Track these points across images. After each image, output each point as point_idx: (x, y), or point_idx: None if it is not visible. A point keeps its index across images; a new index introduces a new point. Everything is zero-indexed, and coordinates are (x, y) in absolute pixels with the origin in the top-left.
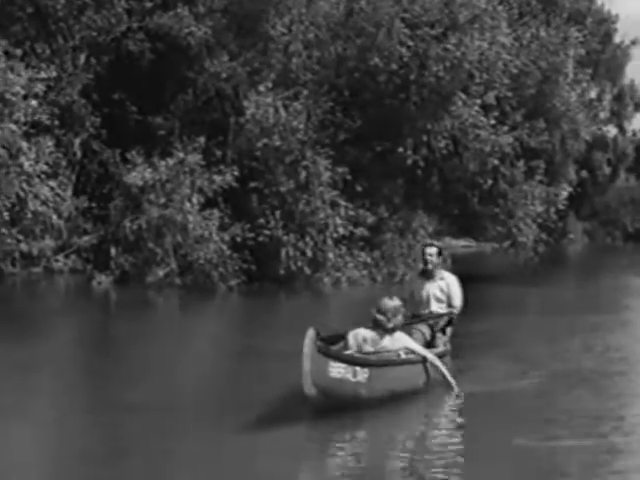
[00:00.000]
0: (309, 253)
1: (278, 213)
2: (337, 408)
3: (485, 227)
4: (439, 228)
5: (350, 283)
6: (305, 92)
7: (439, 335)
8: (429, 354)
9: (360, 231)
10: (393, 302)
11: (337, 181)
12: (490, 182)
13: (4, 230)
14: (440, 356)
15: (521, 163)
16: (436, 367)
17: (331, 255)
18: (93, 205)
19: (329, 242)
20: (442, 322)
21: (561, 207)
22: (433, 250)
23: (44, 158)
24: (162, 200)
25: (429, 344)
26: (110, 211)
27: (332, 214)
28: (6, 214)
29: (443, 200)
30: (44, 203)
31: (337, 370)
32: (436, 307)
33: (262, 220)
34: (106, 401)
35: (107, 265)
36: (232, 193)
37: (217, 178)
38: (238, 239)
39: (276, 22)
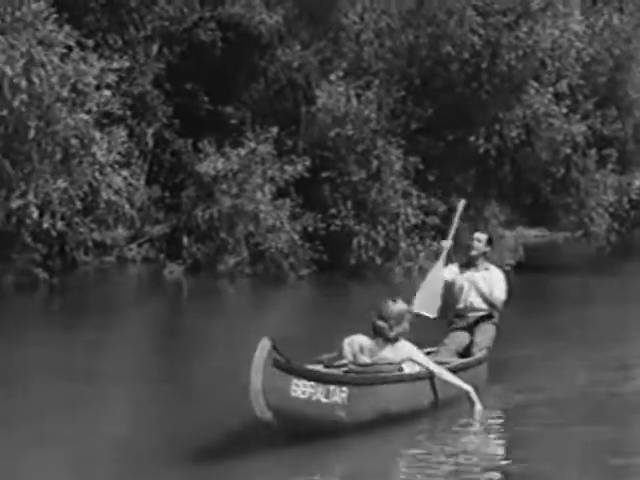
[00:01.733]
0: (381, 243)
1: (350, 203)
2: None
3: (557, 217)
4: (511, 218)
5: (421, 272)
6: (377, 81)
7: (477, 339)
8: (437, 368)
9: (432, 220)
10: (398, 306)
11: (409, 170)
12: (562, 171)
13: (77, 219)
14: (469, 366)
15: (593, 152)
16: (447, 382)
17: (403, 244)
18: (165, 194)
19: (401, 231)
20: (482, 322)
21: (634, 196)
22: (483, 236)
23: (117, 148)
24: (234, 190)
25: (467, 350)
26: (182, 200)
27: (404, 203)
28: (79, 203)
29: (515, 189)
30: (117, 192)
31: (302, 389)
32: (475, 300)
33: (333, 210)
34: (176, 389)
35: (179, 254)
36: (304, 183)
37: (289, 168)
38: (309, 229)
39: (348, 10)
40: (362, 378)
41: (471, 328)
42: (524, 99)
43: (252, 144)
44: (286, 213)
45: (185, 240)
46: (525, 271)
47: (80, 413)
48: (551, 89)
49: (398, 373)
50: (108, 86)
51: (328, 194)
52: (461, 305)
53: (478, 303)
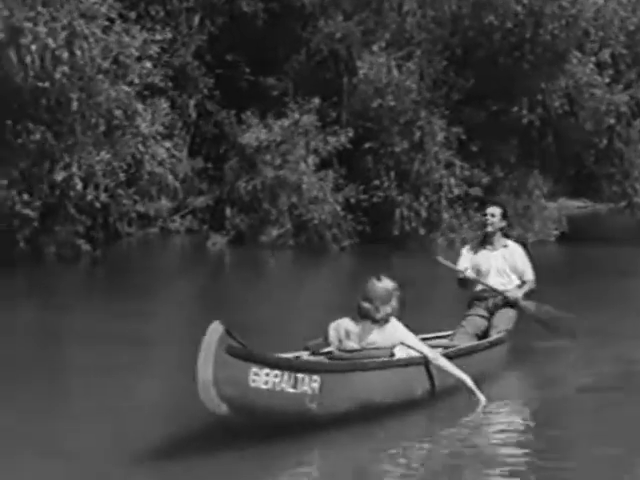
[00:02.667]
0: (423, 214)
1: (392, 174)
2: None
3: (600, 187)
4: (554, 189)
5: (464, 243)
6: (419, 52)
7: (496, 321)
8: (432, 352)
9: (475, 191)
10: (383, 284)
11: (452, 141)
12: (605, 141)
13: (120, 191)
14: (475, 350)
15: (637, 122)
16: (444, 370)
17: (446, 215)
18: (208, 166)
19: (444, 202)
20: (503, 306)
21: None
22: (496, 210)
23: (160, 119)
24: (277, 161)
25: (486, 333)
26: (225, 172)
27: (447, 174)
28: (122, 175)
29: (558, 160)
30: (160, 164)
31: (264, 379)
32: (496, 281)
33: (376, 181)
34: None
35: (222, 225)
36: (347, 154)
37: (332, 139)
38: (352, 200)
39: None
40: (337, 365)
41: (491, 311)
42: (567, 69)
43: (295, 115)
44: (329, 184)
45: (228, 211)
46: (568, 242)
47: (121, 375)
48: (594, 58)
49: (383, 359)
50: (150, 58)
51: (371, 165)
52: (479, 288)
53: (498, 285)
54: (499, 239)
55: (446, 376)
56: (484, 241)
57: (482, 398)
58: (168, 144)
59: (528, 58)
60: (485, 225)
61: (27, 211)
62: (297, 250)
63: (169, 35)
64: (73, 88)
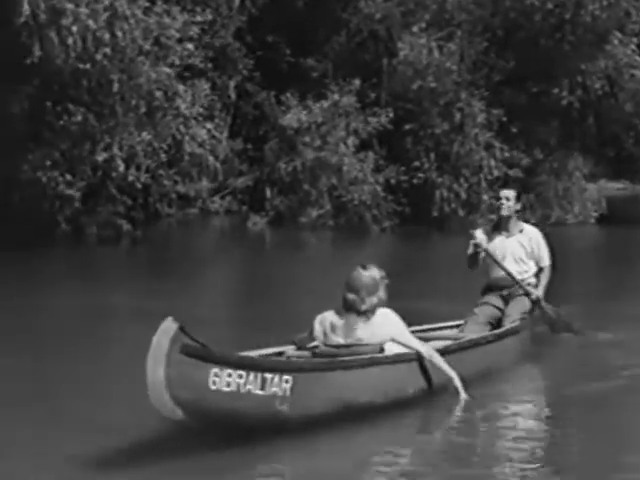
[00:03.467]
0: (463, 195)
1: (432, 155)
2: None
3: None
4: (594, 170)
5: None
6: (459, 33)
7: (510, 310)
8: (424, 348)
9: (515, 173)
10: (369, 273)
11: (492, 123)
12: None
13: (161, 172)
14: (479, 343)
15: None
16: (435, 365)
17: (485, 197)
18: (248, 147)
19: (483, 184)
20: (518, 295)
21: None
22: (510, 193)
23: (200, 101)
24: (317, 142)
25: (500, 322)
26: (265, 153)
27: (487, 156)
28: (163, 156)
29: (599, 142)
30: (201, 145)
31: (226, 380)
32: (512, 269)
33: (416, 162)
34: (254, 331)
35: (262, 206)
36: (387, 135)
37: (372, 120)
38: (392, 181)
39: None
40: (312, 363)
41: (506, 300)
42: (607, 50)
43: (335, 96)
44: (369, 165)
45: (268, 192)
46: (608, 224)
47: None
48: (635, 39)
49: (366, 356)
50: (190, 39)
51: (411, 147)
52: (493, 276)
53: (514, 273)
54: (515, 223)
55: (441, 372)
56: (498, 226)
57: (463, 396)
58: (209, 125)
59: (569, 39)
60: (499, 209)
61: (70, 192)
62: (337, 231)
63: (209, 16)
64: (114, 69)
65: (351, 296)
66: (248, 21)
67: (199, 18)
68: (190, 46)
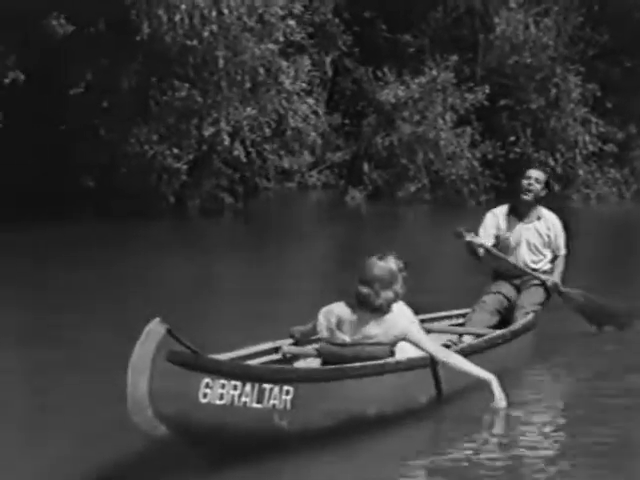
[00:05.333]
0: (559, 170)
1: (528, 130)
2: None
3: None
4: None
5: (599, 199)
6: (555, 8)
7: (523, 301)
8: (443, 352)
9: (610, 148)
10: (385, 263)
11: (587, 97)
12: None
13: (266, 146)
14: (493, 343)
15: None
16: (460, 370)
17: (581, 172)
18: (346, 122)
19: (579, 159)
20: (532, 285)
21: None
22: (541, 175)
23: (302, 76)
24: (416, 117)
25: (510, 312)
26: (363, 128)
27: (582, 131)
28: (267, 130)
29: None
30: (304, 120)
31: (218, 391)
32: (527, 258)
33: (512, 137)
34: None
35: (359, 180)
36: (483, 110)
37: (469, 96)
38: (489, 156)
39: None
40: (315, 372)
41: (518, 289)
42: None
43: (433, 72)
44: (466, 141)
45: (365, 167)
46: None
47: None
48: None
49: (375, 363)
50: (292, 15)
51: (507, 122)
52: (503, 264)
53: (528, 262)
54: (536, 209)
55: (456, 377)
56: (516, 209)
57: (503, 402)
58: (311, 101)
59: None
60: (527, 191)
61: (177, 165)
62: (434, 205)
63: None
64: (220, 46)
65: (364, 289)
66: None
67: None
68: (292, 23)
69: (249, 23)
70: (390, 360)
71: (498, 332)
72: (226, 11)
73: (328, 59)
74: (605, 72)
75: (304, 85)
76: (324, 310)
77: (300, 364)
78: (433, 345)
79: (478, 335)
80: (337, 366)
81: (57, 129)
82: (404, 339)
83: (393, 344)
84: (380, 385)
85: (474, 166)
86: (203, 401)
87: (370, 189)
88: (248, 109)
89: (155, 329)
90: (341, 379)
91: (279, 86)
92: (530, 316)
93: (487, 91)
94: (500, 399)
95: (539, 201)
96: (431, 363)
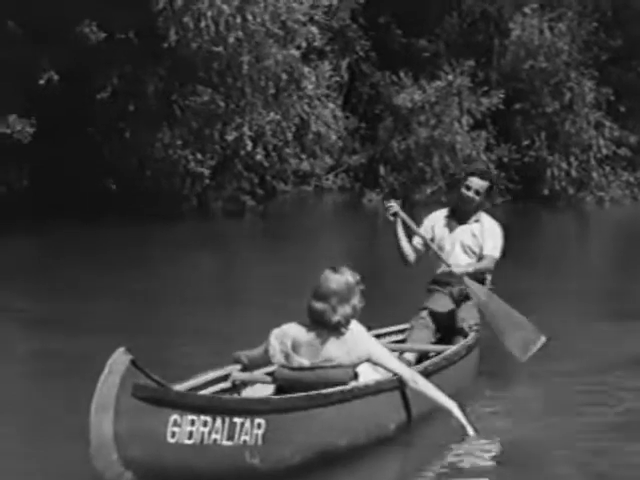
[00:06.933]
0: (573, 173)
1: (543, 134)
2: None
3: None
4: None
5: (613, 202)
6: (569, 13)
7: (464, 313)
8: (409, 372)
9: (623, 151)
10: (341, 276)
11: (601, 102)
12: None
13: (288, 150)
14: (456, 357)
15: None
16: (425, 395)
17: (595, 175)
18: (362, 125)
19: (593, 162)
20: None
21: None
22: (484, 186)
23: (324, 82)
24: (432, 121)
25: (451, 326)
26: (379, 131)
27: (596, 134)
28: (289, 135)
29: None
30: (326, 124)
31: (187, 429)
32: (462, 260)
33: (527, 141)
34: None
35: (376, 183)
36: (498, 114)
37: (485, 100)
38: (504, 159)
39: None
40: (286, 401)
41: (456, 300)
42: None
43: (449, 76)
44: (482, 144)
45: (382, 170)
46: None
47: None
48: None
49: (344, 388)
50: (314, 22)
51: (521, 125)
52: (441, 269)
53: (463, 265)
54: (475, 214)
55: (424, 400)
56: (455, 213)
57: (472, 431)
58: (332, 105)
59: None
60: (464, 201)
61: (200, 169)
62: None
63: (335, 0)
64: (244, 52)
65: (319, 305)
66: (363, 3)
67: (325, 1)
68: (314, 29)
69: (272, 29)
70: (360, 384)
71: (453, 349)
72: (250, 17)
73: (343, 64)
74: (619, 76)
75: (326, 90)
76: (276, 333)
77: (248, 392)
78: (400, 364)
79: (422, 352)
80: (308, 394)
81: (85, 132)
82: (367, 360)
83: (355, 366)
84: (350, 412)
85: (490, 168)
86: (171, 441)
87: (387, 191)
88: (271, 114)
89: (118, 360)
90: (312, 407)
91: (301, 91)
92: (475, 330)
93: (502, 96)
94: (466, 427)
95: (478, 208)
96: (400, 384)
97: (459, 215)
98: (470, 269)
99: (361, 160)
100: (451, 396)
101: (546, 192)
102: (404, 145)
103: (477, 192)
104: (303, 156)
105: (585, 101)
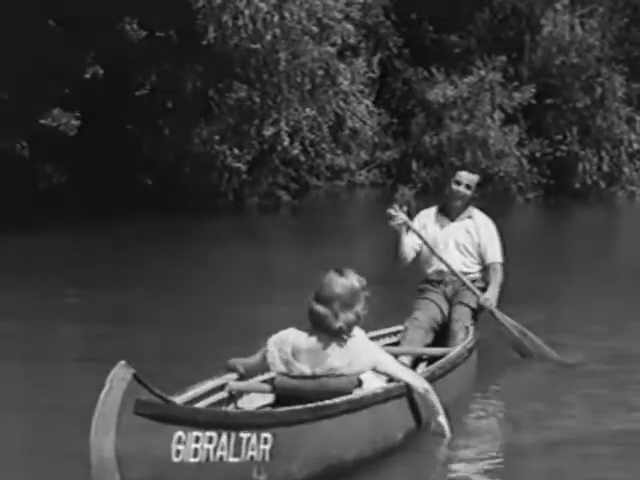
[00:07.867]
0: (605, 167)
1: (575, 129)
2: None
3: None
4: None
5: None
6: (601, 9)
7: (458, 313)
8: (417, 379)
9: None
10: (346, 280)
11: (632, 97)
12: None
13: (324, 145)
14: (458, 361)
15: None
16: (427, 399)
17: (626, 169)
18: (394, 121)
19: (624, 157)
20: (463, 290)
21: None
22: (474, 180)
23: (359, 78)
24: (464, 117)
25: (445, 326)
26: (411, 127)
27: (627, 130)
28: (326, 131)
29: None
30: (362, 120)
31: (192, 446)
32: (455, 258)
33: (559, 136)
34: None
35: (408, 179)
36: (530, 110)
37: (517, 95)
38: (537, 154)
39: None
40: (293, 413)
41: (449, 300)
42: None
43: (481, 72)
44: (514, 139)
45: (414, 165)
46: None
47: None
48: None
49: (352, 398)
50: (348, 18)
51: (553, 121)
52: (433, 268)
53: (460, 266)
54: (466, 210)
55: (429, 406)
56: (444, 209)
57: (449, 436)
58: (367, 101)
59: None
60: (456, 198)
61: (237, 164)
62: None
63: None
64: (281, 49)
65: (321, 309)
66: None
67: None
68: (350, 26)
69: (308, 27)
70: (367, 393)
71: (456, 351)
72: (287, 15)
73: (375, 59)
74: None
75: (361, 87)
76: (275, 339)
77: (244, 402)
78: (407, 371)
79: (417, 355)
80: (315, 405)
81: (124, 128)
82: (374, 369)
83: (358, 374)
84: (358, 422)
85: (522, 164)
86: (176, 460)
87: (419, 187)
88: (307, 110)
89: (120, 375)
90: (319, 419)
91: (337, 87)
92: (472, 331)
93: (533, 91)
94: (446, 430)
95: (469, 203)
96: (408, 391)
97: (450, 212)
98: (495, 298)
99: (394, 155)
100: (456, 399)
101: (578, 186)
102: (436, 140)
103: (468, 186)
104: (339, 151)
105: (616, 96)
